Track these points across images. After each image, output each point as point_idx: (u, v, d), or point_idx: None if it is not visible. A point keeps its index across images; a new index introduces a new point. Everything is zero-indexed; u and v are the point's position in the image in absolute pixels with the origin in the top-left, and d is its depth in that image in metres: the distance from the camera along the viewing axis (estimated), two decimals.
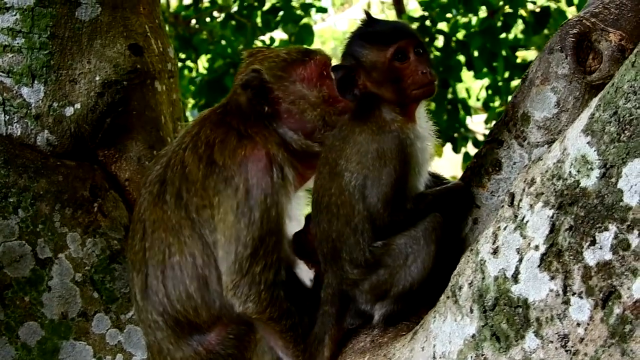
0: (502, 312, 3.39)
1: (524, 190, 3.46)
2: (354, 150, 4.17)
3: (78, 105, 5.17)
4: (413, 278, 4.12)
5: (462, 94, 14.30)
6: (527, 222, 3.38)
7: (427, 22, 12.49)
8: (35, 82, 5.12)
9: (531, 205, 3.40)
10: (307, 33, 12.42)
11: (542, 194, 3.38)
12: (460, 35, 12.48)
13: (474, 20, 12.19)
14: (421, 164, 4.21)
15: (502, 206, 3.55)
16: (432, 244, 4.11)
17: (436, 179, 4.44)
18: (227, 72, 12.25)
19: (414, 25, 12.49)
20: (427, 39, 12.45)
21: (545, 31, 11.14)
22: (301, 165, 4.66)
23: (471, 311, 3.52)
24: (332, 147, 4.29)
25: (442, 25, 12.73)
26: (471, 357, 3.51)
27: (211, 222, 4.51)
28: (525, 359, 3.33)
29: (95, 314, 5.06)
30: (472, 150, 13.08)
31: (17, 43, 5.07)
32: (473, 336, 3.51)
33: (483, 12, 12.06)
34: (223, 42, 13.20)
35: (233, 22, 12.21)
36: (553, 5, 11.75)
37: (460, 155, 13.45)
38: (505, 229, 3.47)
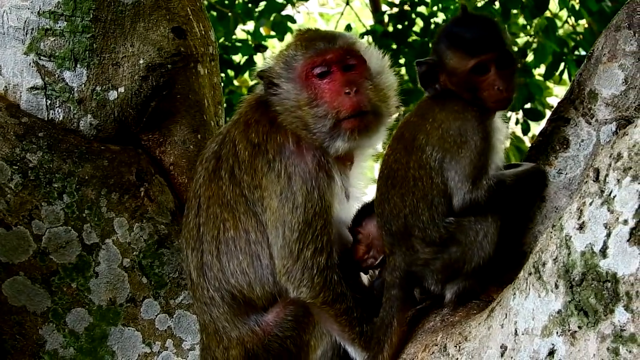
0: (590, 287, 3.38)
1: (609, 165, 3.45)
2: (434, 125, 4.20)
3: (122, 89, 5.10)
4: (485, 253, 4.17)
5: None
6: (614, 197, 3.37)
7: (406, 7, 12.36)
8: (78, 66, 5.02)
9: (618, 180, 3.39)
10: (288, 21, 12.21)
11: (630, 168, 3.36)
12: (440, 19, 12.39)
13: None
14: (496, 150, 4.24)
15: (586, 182, 3.54)
16: (498, 219, 4.17)
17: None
18: None
19: (393, 10, 12.40)
20: (406, 23, 12.33)
21: (548, 13, 11.11)
22: None
23: (556, 287, 3.51)
24: (409, 124, 4.32)
25: (422, 9, 12.61)
26: (557, 332, 3.50)
27: (263, 202, 4.53)
28: (615, 334, 3.32)
29: (144, 299, 5.03)
30: None
31: (59, 26, 4.97)
32: (559, 312, 3.49)
33: None
34: None
35: (214, 13, 12.02)
36: None
37: None
38: (591, 204, 3.46)
